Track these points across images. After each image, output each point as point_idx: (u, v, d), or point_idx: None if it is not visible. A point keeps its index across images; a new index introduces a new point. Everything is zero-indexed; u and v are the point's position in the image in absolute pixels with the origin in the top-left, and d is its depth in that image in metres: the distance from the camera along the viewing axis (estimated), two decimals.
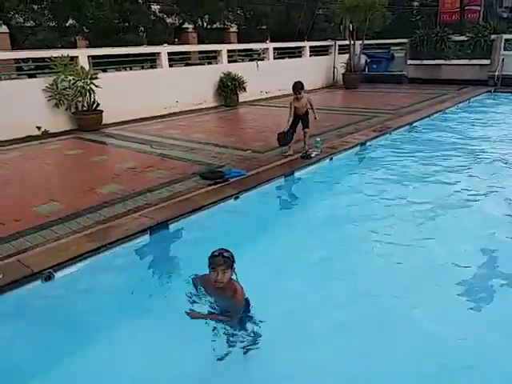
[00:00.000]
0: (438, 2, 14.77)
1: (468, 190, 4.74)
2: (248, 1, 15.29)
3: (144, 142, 6.85)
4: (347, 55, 13.85)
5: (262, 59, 12.34)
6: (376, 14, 13.13)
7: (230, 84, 10.35)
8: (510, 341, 2.48)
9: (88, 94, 7.78)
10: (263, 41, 13.50)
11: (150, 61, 9.92)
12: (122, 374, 2.31)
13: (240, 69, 10.88)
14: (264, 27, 17.94)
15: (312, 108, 5.75)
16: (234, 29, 18.28)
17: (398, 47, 15.15)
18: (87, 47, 11.45)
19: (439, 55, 13.58)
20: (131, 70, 10.22)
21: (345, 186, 5.01)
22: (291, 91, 5.62)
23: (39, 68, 8.27)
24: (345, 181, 5.22)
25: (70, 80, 7.65)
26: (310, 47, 13.79)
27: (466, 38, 13.33)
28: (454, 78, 13.28)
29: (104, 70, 8.83)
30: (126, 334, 2.62)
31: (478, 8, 14.01)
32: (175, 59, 10.34)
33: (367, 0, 12.30)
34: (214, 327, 2.44)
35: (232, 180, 4.76)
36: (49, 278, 2.95)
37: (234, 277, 2.39)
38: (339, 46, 14.70)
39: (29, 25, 11.58)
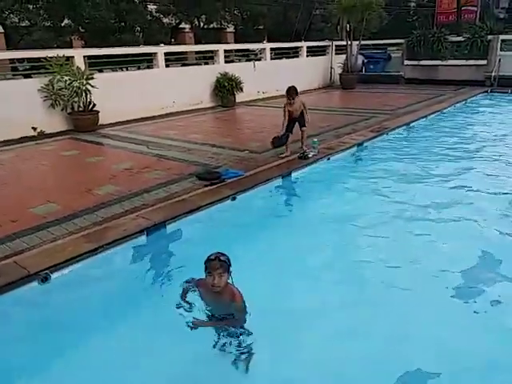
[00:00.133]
0: (434, 3, 14.84)
1: (466, 189, 4.76)
2: (245, 1, 15.29)
3: (140, 143, 6.82)
4: (344, 55, 13.88)
5: (259, 59, 12.34)
6: (373, 15, 13.18)
7: (226, 84, 10.35)
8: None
9: (84, 94, 7.74)
10: (260, 41, 13.51)
11: (147, 61, 9.88)
12: (119, 374, 2.30)
13: (237, 69, 10.88)
14: (261, 27, 17.95)
15: (305, 110, 5.74)
16: (230, 29, 18.27)
17: (395, 48, 15.20)
18: (83, 47, 11.39)
19: (436, 56, 13.64)
20: (127, 70, 10.18)
21: (342, 187, 5.01)
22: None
23: (35, 68, 8.21)
24: (342, 181, 5.22)
25: (65, 80, 7.61)
26: (307, 47, 13.81)
27: (462, 39, 13.40)
28: (450, 78, 13.35)
29: (100, 71, 8.79)
30: (123, 334, 2.61)
31: (475, 9, 14.10)
32: (172, 59, 10.32)
33: (364, 0, 12.33)
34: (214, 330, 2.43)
35: (229, 180, 4.75)
36: (45, 279, 2.93)
37: (229, 281, 2.36)
38: (336, 46, 14.74)
39: (24, 25, 11.52)
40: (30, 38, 11.15)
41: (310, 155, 5.62)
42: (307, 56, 13.88)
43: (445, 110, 9.45)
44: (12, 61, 8.77)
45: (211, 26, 15.58)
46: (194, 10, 13.61)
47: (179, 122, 8.68)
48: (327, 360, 2.35)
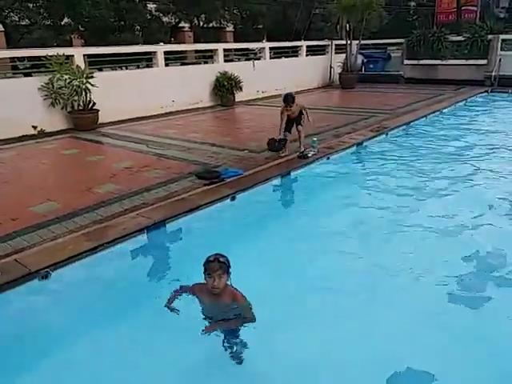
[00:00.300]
0: (434, 2, 14.85)
1: (467, 188, 4.79)
2: (244, 0, 15.29)
3: (140, 142, 6.84)
4: (344, 55, 13.89)
5: (259, 59, 12.35)
6: (373, 14, 13.19)
7: (226, 83, 10.35)
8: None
9: (84, 93, 7.75)
10: (259, 40, 13.52)
11: (146, 60, 9.89)
12: (117, 373, 2.31)
13: (236, 68, 10.88)
14: (260, 26, 17.95)
15: (305, 112, 5.74)
16: (230, 28, 18.27)
17: (395, 47, 15.20)
18: (83, 46, 11.40)
19: (436, 55, 13.65)
20: (127, 69, 10.19)
21: (342, 186, 5.03)
22: (287, 91, 5.65)
23: (35, 67, 8.21)
24: (342, 180, 5.24)
25: (65, 79, 7.62)
26: (307, 47, 13.81)
27: (462, 38, 13.40)
28: (450, 78, 13.36)
29: (100, 69, 8.79)
30: (123, 333, 2.62)
31: (475, 8, 14.10)
32: (171, 58, 10.33)
33: (364, 0, 12.34)
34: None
35: (228, 180, 4.77)
36: (46, 277, 2.95)
37: (228, 282, 2.35)
38: (336, 45, 14.74)
39: (24, 23, 11.52)
40: (30, 36, 11.15)
41: (309, 154, 5.64)
42: (307, 55, 13.89)
43: (445, 110, 9.47)
44: (12, 59, 8.77)
45: (210, 25, 15.58)
46: (194, 9, 13.61)
47: (178, 121, 8.70)
48: (327, 360, 2.37)
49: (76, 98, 7.79)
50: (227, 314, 2.37)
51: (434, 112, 9.08)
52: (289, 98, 5.53)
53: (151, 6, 13.93)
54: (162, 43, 10.09)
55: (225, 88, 10.37)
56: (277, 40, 13.52)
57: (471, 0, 14.05)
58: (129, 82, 8.90)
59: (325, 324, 2.65)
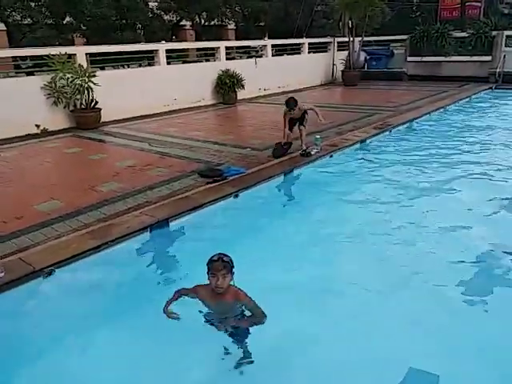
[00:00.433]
0: None
1: (472, 185, 4.77)
2: None
3: (142, 140, 6.84)
4: (346, 52, 13.83)
5: (261, 56, 12.31)
6: (375, 11, 13.11)
7: (228, 81, 10.33)
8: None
9: (86, 91, 7.76)
10: (261, 38, 13.48)
11: (148, 58, 9.89)
12: (118, 372, 2.30)
13: (238, 66, 10.85)
14: (262, 24, 17.89)
15: (317, 111, 5.71)
16: (231, 26, 18.23)
17: (398, 44, 15.09)
18: (84, 45, 11.40)
19: (439, 52, 13.54)
20: (129, 67, 10.19)
21: (345, 184, 5.01)
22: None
23: (37, 66, 8.23)
24: (345, 178, 5.22)
25: (68, 78, 7.63)
26: (309, 44, 13.76)
27: (466, 35, 13.29)
28: (454, 74, 13.25)
29: (102, 68, 8.80)
30: (127, 332, 2.61)
31: (479, 4, 13.99)
32: (173, 57, 10.32)
33: None
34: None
35: (231, 178, 4.76)
36: (49, 274, 2.96)
37: (231, 282, 2.34)
38: (338, 42, 14.67)
39: (26, 22, 11.55)
40: (32, 35, 11.17)
41: (312, 152, 5.63)
42: (309, 53, 13.83)
43: (448, 107, 9.41)
44: (15, 59, 8.79)
45: (212, 22, 15.56)
46: (195, 7, 13.59)
47: (181, 120, 8.69)
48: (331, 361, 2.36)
49: (78, 96, 7.80)
50: (232, 314, 2.36)
51: (437, 109, 9.03)
52: (291, 103, 5.50)
53: (152, 4, 13.93)
54: (163, 41, 10.09)
55: (227, 86, 10.35)
56: (279, 37, 13.47)
57: None
58: (131, 81, 8.90)
59: (330, 322, 2.64)
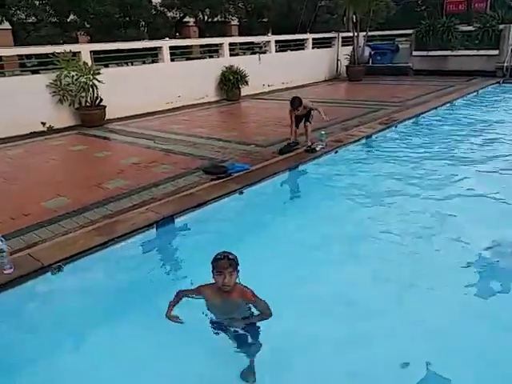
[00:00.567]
0: None
1: (478, 182, 4.72)
2: None
3: (147, 137, 6.86)
4: (351, 47, 13.73)
5: (264, 52, 12.27)
6: (380, 5, 13.00)
7: (231, 78, 10.31)
8: None
9: (91, 89, 7.79)
10: (265, 34, 13.40)
11: (152, 55, 9.89)
12: (125, 370, 2.31)
13: (242, 62, 10.83)
14: (265, 20, 17.79)
15: (320, 111, 5.75)
16: (235, 22, 18.13)
17: (403, 38, 14.93)
18: (88, 42, 11.42)
19: (446, 46, 13.37)
20: (133, 65, 10.20)
21: (350, 180, 4.98)
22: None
23: (42, 64, 8.27)
24: (350, 174, 5.19)
25: (72, 76, 7.66)
26: (313, 39, 13.68)
27: (473, 29, 13.11)
28: (461, 69, 13.10)
29: (106, 66, 8.82)
30: (132, 328, 2.62)
31: None
32: (177, 53, 10.31)
33: None
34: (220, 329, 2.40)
35: (235, 175, 4.76)
36: (58, 270, 2.99)
37: (237, 280, 2.33)
38: (342, 37, 14.56)
39: (31, 21, 11.58)
40: (36, 34, 11.21)
41: (317, 148, 5.61)
42: (313, 48, 13.75)
43: (455, 102, 9.32)
44: (20, 57, 8.83)
45: (215, 19, 15.49)
46: (198, 4, 13.55)
47: (185, 117, 8.70)
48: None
49: (83, 94, 7.83)
50: (239, 312, 2.36)
51: (444, 104, 8.94)
52: (295, 103, 5.51)
53: (156, 1, 13.91)
54: (167, 38, 10.07)
55: (230, 82, 10.33)
56: (282, 33, 13.39)
57: None
58: (135, 78, 8.92)
59: (335, 323, 2.63)
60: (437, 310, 2.69)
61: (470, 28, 13.26)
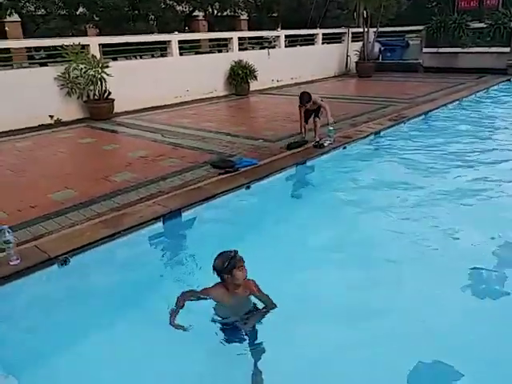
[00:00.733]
0: None
1: (487, 179, 4.63)
2: None
3: (155, 131, 6.84)
4: (361, 43, 13.56)
5: (273, 47, 12.16)
6: (391, 1, 12.81)
7: (240, 72, 10.24)
8: None
9: (99, 82, 7.77)
10: (274, 28, 13.29)
11: (161, 49, 9.85)
12: (130, 363, 2.29)
13: (251, 57, 10.74)
14: (275, 14, 17.64)
15: (327, 111, 5.63)
16: (244, 16, 18.01)
17: (414, 35, 14.74)
18: (97, 35, 11.42)
19: (456, 43, 13.17)
20: (141, 58, 10.18)
21: (358, 176, 4.92)
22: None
23: (51, 57, 8.28)
24: (358, 170, 5.13)
25: (81, 68, 7.65)
26: (323, 35, 13.53)
27: (484, 26, 12.88)
28: (471, 66, 12.89)
29: (114, 59, 8.80)
30: (139, 320, 2.61)
31: None
32: (185, 47, 10.26)
33: None
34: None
35: (243, 169, 4.72)
36: (65, 262, 2.98)
37: None
38: (352, 33, 14.39)
39: (40, 13, 11.61)
40: (45, 26, 11.23)
41: (325, 144, 5.54)
42: (322, 43, 13.61)
43: (465, 99, 9.16)
44: (28, 49, 8.85)
45: (225, 13, 15.39)
46: None
47: (193, 111, 8.66)
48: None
49: (92, 87, 7.82)
50: (247, 307, 2.35)
51: (454, 101, 8.80)
52: (305, 98, 5.46)
53: None
54: (176, 32, 10.01)
55: (239, 77, 10.26)
56: (292, 28, 13.26)
57: None
58: (143, 72, 8.89)
59: (335, 312, 2.60)
60: (437, 311, 2.63)
61: (482, 25, 13.02)
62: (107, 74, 7.76)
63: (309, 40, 13.33)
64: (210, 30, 15.55)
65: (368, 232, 3.63)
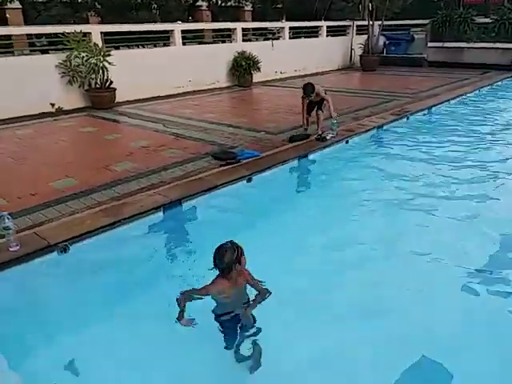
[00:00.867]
0: None
1: (490, 176, 4.60)
2: None
3: (157, 121, 6.80)
4: (365, 36, 13.42)
5: (277, 39, 12.04)
6: None
7: (243, 64, 10.15)
8: None
9: (101, 71, 7.71)
10: (278, 20, 13.15)
11: (163, 39, 9.75)
12: (127, 355, 2.28)
13: (254, 48, 10.64)
14: (279, 6, 17.44)
15: (330, 104, 5.55)
16: (248, 7, 17.81)
17: (419, 29, 14.56)
18: (99, 24, 11.30)
19: (461, 38, 13.03)
20: (144, 47, 10.08)
21: (360, 170, 4.90)
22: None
23: (52, 44, 8.20)
24: (360, 164, 5.11)
25: (83, 57, 7.58)
26: (327, 27, 13.38)
27: (490, 21, 12.74)
28: (476, 62, 12.77)
29: (116, 48, 8.71)
30: (138, 310, 2.60)
31: None
32: (188, 37, 10.15)
33: None
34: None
35: (245, 161, 4.70)
36: (64, 250, 2.98)
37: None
38: (357, 26, 14.24)
39: (41, 0, 11.48)
40: (47, 13, 11.11)
41: (328, 137, 5.51)
42: (327, 36, 13.47)
43: (469, 95, 9.09)
44: (30, 36, 8.75)
45: (229, 3, 15.23)
46: None
47: (195, 101, 8.61)
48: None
49: (93, 76, 7.76)
50: (245, 297, 2.35)
51: (458, 96, 8.72)
52: (308, 89, 5.38)
53: None
54: (179, 22, 9.91)
55: (242, 68, 10.17)
56: (296, 20, 13.11)
57: None
58: (146, 61, 8.81)
59: (336, 307, 2.60)
60: (437, 311, 2.62)
61: (487, 20, 12.88)
62: (109, 63, 7.69)
63: (313, 32, 13.19)
64: (214, 20, 15.39)
65: (367, 227, 3.62)
